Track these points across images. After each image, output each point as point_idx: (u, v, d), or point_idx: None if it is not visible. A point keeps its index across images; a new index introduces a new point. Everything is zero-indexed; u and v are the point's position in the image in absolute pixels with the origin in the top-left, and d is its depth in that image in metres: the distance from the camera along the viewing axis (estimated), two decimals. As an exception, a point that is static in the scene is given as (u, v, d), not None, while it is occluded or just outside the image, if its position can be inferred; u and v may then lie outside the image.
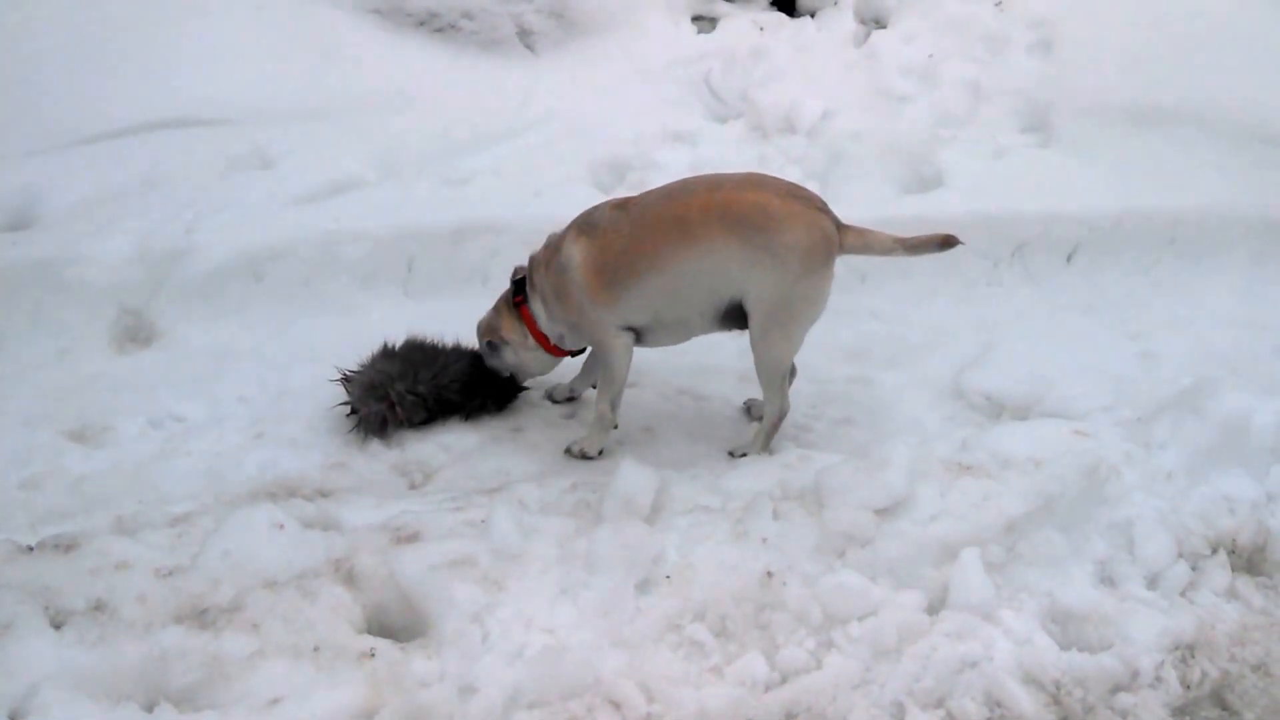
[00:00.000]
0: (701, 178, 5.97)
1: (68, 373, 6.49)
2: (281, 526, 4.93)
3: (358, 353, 6.36)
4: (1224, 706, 4.57)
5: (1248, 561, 5.21)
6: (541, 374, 6.39)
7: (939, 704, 4.41)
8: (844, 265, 7.43)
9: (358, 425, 6.06)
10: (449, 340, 6.35)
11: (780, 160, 8.43)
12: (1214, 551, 5.16)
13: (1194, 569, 5.09)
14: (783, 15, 10.67)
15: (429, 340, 6.34)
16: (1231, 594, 5.02)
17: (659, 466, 5.48)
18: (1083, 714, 4.42)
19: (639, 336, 5.93)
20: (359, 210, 7.64)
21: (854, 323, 7.32)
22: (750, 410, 6.36)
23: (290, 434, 6.03)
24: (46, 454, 5.84)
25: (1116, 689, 4.50)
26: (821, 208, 5.73)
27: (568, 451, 5.97)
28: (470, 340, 6.34)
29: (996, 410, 6.45)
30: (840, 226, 5.75)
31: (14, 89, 8.20)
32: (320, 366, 6.47)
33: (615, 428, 6.06)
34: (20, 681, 4.04)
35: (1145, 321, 7.33)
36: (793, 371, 6.16)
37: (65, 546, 4.78)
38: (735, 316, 5.81)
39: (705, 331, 5.98)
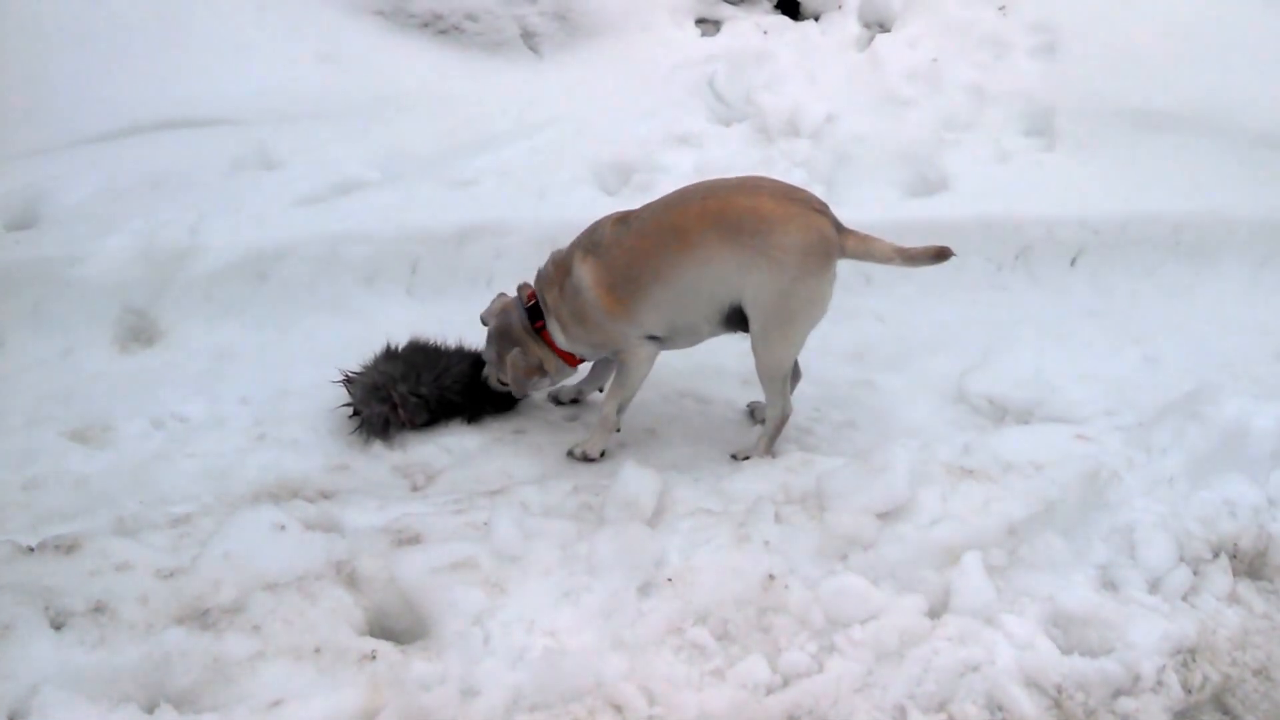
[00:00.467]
0: (698, 185, 5.98)
1: (70, 372, 6.49)
2: (283, 528, 4.95)
3: (361, 353, 6.38)
4: (1225, 711, 4.56)
5: (1249, 566, 5.20)
6: (564, 380, 6.45)
7: (941, 708, 4.40)
8: (848, 268, 7.43)
9: (360, 427, 6.06)
10: (452, 341, 6.35)
11: (785, 164, 8.43)
12: (1215, 556, 5.15)
13: (1195, 573, 5.07)
14: (786, 18, 10.66)
15: (431, 341, 6.34)
16: (1233, 598, 5.00)
17: (661, 469, 5.49)
18: (1084, 718, 4.41)
19: (660, 343, 5.95)
20: (363, 211, 7.65)
21: (857, 325, 7.34)
22: (753, 413, 6.36)
23: (292, 435, 6.04)
24: (48, 454, 5.85)
25: (1118, 693, 4.49)
26: (819, 209, 5.74)
27: (570, 454, 5.98)
28: (472, 341, 6.33)
29: (999, 414, 6.45)
30: (841, 230, 5.75)
31: (19, 88, 8.21)
32: (323, 367, 6.48)
33: (618, 430, 6.06)
34: (20, 682, 4.04)
35: (1148, 325, 7.34)
36: (797, 374, 6.17)
37: (66, 547, 4.78)
38: (739, 319, 5.83)
39: (715, 335, 6.01)
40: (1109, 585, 4.96)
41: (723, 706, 4.33)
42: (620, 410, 6.01)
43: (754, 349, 5.86)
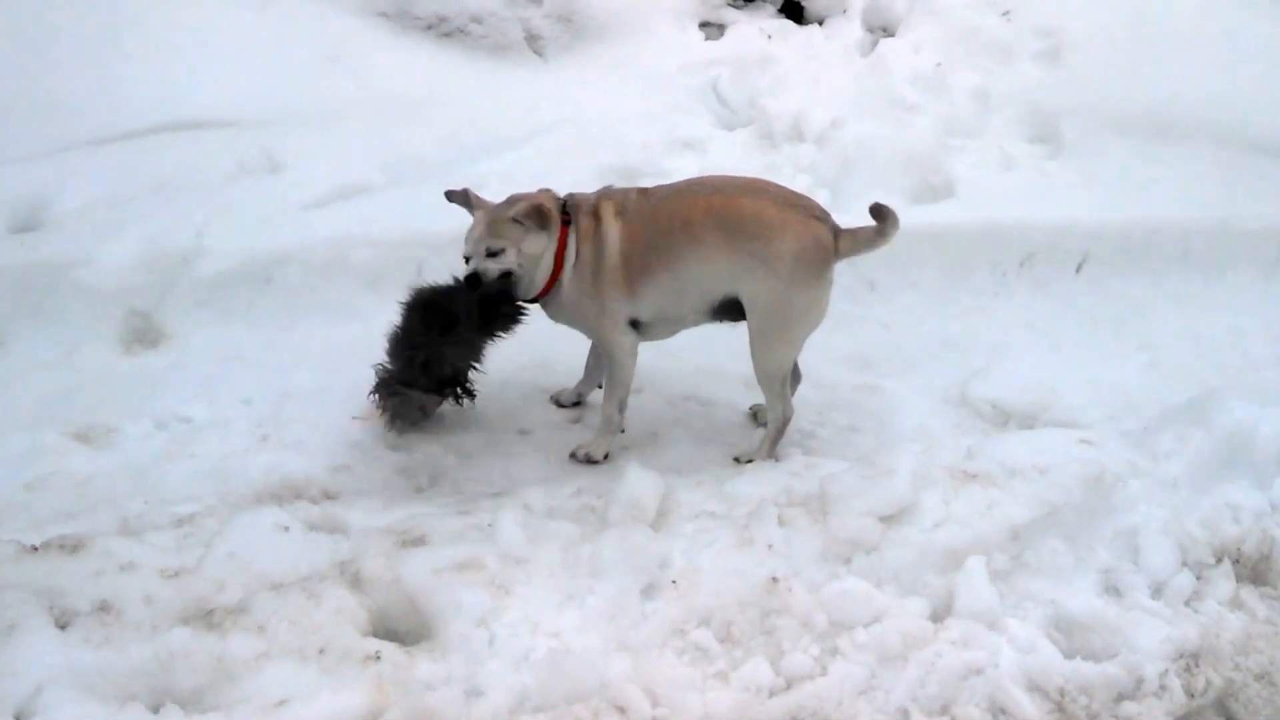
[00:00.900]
0: (709, 179, 6.14)
1: (74, 374, 6.50)
2: (287, 529, 4.98)
3: (364, 357, 6.40)
4: (1228, 715, 4.57)
5: (1252, 571, 5.20)
6: (523, 299, 6.09)
7: (944, 711, 4.41)
8: (852, 273, 7.50)
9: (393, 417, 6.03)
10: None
11: (789, 169, 8.43)
12: (1218, 561, 5.15)
13: (1198, 578, 5.08)
14: (790, 22, 10.65)
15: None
16: (1236, 603, 5.01)
17: (664, 472, 5.52)
18: (1086, 722, 4.44)
19: (638, 329, 5.97)
20: (368, 214, 7.66)
21: (862, 331, 7.36)
22: (756, 416, 6.37)
23: (295, 436, 6.04)
24: (52, 454, 5.84)
25: (1121, 697, 4.50)
26: (819, 216, 5.79)
27: (573, 456, 5.98)
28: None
29: (1003, 419, 6.45)
30: (838, 234, 5.80)
31: (24, 91, 8.19)
32: (327, 370, 6.52)
33: (622, 431, 6.07)
34: (26, 681, 4.05)
35: (1153, 332, 7.34)
36: (797, 377, 6.20)
37: (71, 547, 4.80)
38: (726, 310, 5.90)
39: (697, 325, 6.08)
40: (1112, 590, 4.96)
41: (726, 708, 4.34)
42: (620, 408, 6.02)
43: (752, 352, 5.90)
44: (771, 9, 10.76)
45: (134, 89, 8.42)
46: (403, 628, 4.62)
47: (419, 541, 4.99)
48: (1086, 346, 7.18)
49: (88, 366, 6.55)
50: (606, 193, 5.96)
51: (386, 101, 8.89)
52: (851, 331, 7.28)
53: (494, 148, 8.55)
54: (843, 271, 7.38)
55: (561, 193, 6.04)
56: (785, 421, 6.09)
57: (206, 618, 4.43)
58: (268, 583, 4.64)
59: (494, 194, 7.88)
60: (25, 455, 5.79)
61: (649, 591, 4.75)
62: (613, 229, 5.77)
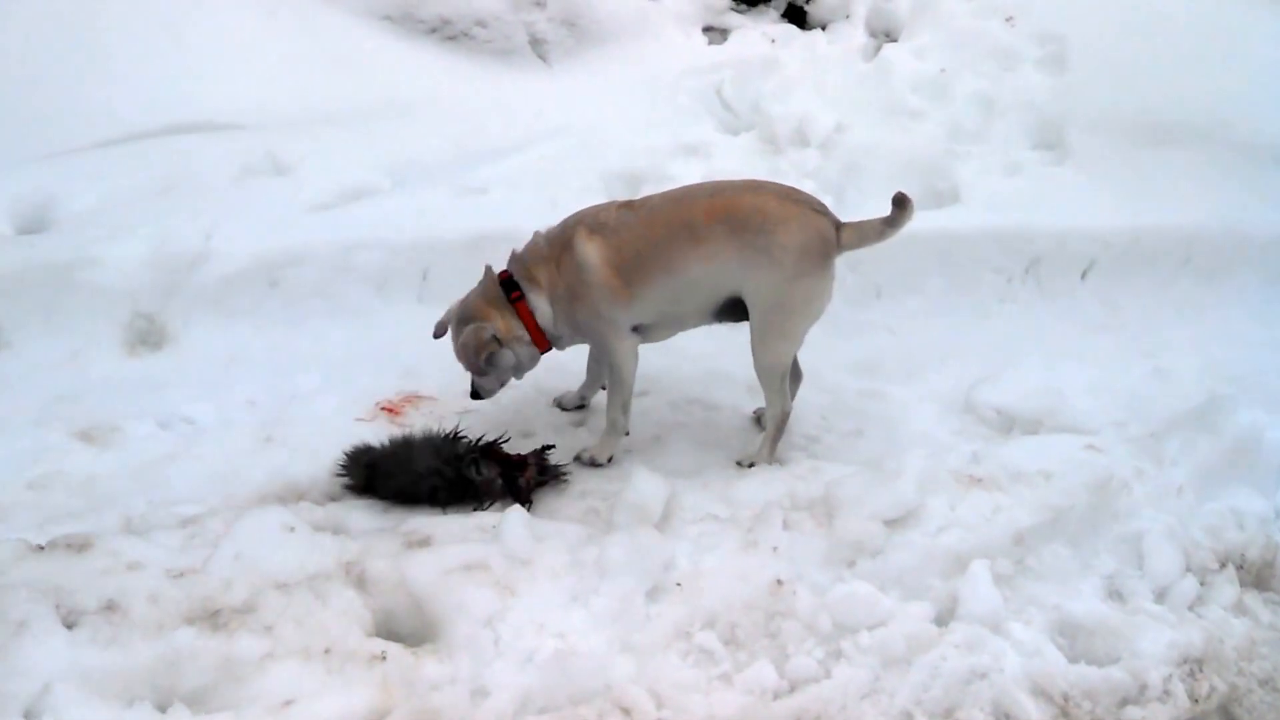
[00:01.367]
0: (704, 184, 6.12)
1: (78, 374, 6.49)
2: (292, 529, 4.98)
3: (368, 359, 6.41)
4: (1232, 720, 4.61)
5: (1256, 577, 5.23)
6: (530, 370, 6.17)
7: (948, 715, 4.43)
8: (858, 279, 7.50)
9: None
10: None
11: (794, 174, 8.43)
12: (1222, 566, 5.19)
13: (1202, 584, 5.11)
14: (793, 27, 10.69)
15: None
16: (1239, 609, 5.04)
17: (669, 475, 5.53)
18: (1090, 726, 4.46)
19: (638, 332, 5.98)
20: (374, 218, 7.65)
21: (867, 336, 7.36)
22: (760, 420, 6.37)
23: (300, 438, 6.02)
24: (57, 454, 5.84)
25: (1125, 702, 4.52)
26: (819, 209, 5.83)
27: (578, 459, 5.98)
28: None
29: (1007, 424, 6.44)
30: (839, 227, 5.82)
31: (30, 93, 8.20)
32: (332, 372, 6.53)
33: (626, 434, 6.08)
34: (34, 680, 4.06)
35: (1159, 338, 7.33)
36: (798, 375, 6.23)
37: (77, 546, 4.81)
38: (728, 310, 5.92)
39: (699, 326, 6.09)
40: (1116, 594, 5.00)
41: (730, 711, 4.36)
42: (625, 411, 6.02)
43: (753, 347, 5.91)
44: (775, 14, 10.81)
45: (141, 92, 8.44)
46: (408, 628, 4.63)
47: (424, 543, 4.99)
48: (1092, 352, 7.16)
49: (93, 367, 6.55)
50: (578, 217, 5.95)
51: (391, 105, 8.91)
52: (857, 337, 7.29)
53: (499, 151, 8.56)
54: (848, 277, 7.44)
55: (524, 243, 6.06)
56: (784, 418, 6.10)
57: (212, 618, 4.44)
58: (273, 583, 4.65)
59: (496, 196, 7.98)
60: (30, 455, 5.78)
61: (654, 594, 4.77)
62: (588, 248, 5.75)
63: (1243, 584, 5.16)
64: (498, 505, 5.44)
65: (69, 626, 4.31)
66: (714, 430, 6.25)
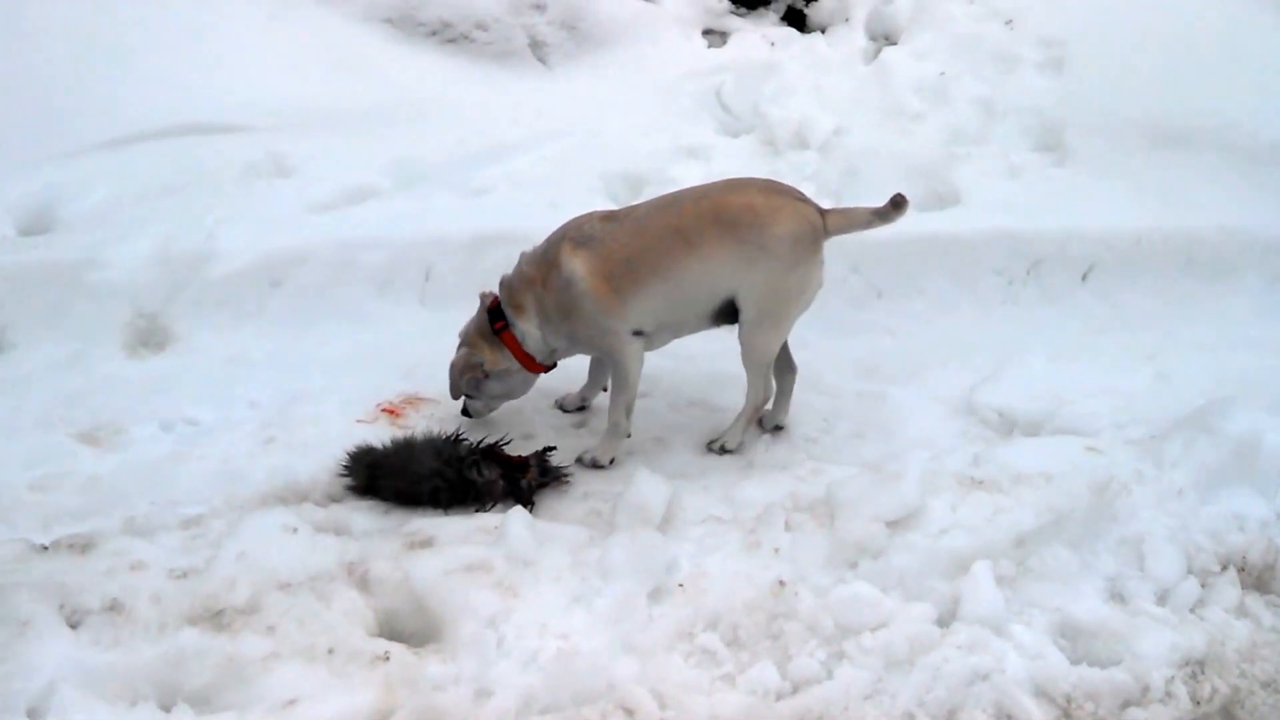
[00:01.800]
0: (686, 189, 6.19)
1: (81, 375, 6.49)
2: (295, 530, 5.02)
3: (371, 360, 6.41)
4: (1233, 722, 4.61)
5: (1257, 579, 5.22)
6: (524, 394, 6.28)
7: (950, 716, 4.43)
8: (859, 280, 7.51)
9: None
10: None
11: (793, 176, 8.38)
12: (1224, 569, 5.18)
13: (1204, 586, 5.10)
14: (793, 30, 10.68)
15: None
16: (1241, 611, 5.03)
17: (671, 477, 5.55)
18: (1093, 728, 4.46)
19: (643, 339, 5.99)
20: (376, 219, 7.67)
21: (868, 338, 7.37)
22: (762, 423, 6.37)
23: (302, 439, 6.02)
24: (60, 455, 5.83)
25: (1127, 704, 4.52)
26: (801, 198, 5.92)
27: (580, 460, 5.98)
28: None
29: (1008, 426, 6.44)
30: (823, 213, 5.91)
31: (34, 94, 8.21)
32: (334, 373, 6.54)
33: (628, 436, 6.08)
34: (38, 679, 4.09)
35: (1160, 341, 7.31)
36: (792, 369, 6.29)
37: (80, 547, 4.85)
38: (725, 314, 5.97)
39: (697, 330, 6.11)
40: (1117, 596, 4.99)
41: (733, 711, 4.37)
42: (627, 413, 6.03)
43: (743, 338, 5.96)
44: (774, 17, 10.80)
45: (144, 93, 8.43)
46: (411, 629, 4.65)
47: (427, 544, 5.02)
48: (1093, 354, 7.15)
49: (96, 368, 6.55)
50: (561, 233, 5.96)
51: (393, 106, 8.92)
52: (858, 338, 7.30)
53: (500, 153, 8.57)
54: (849, 278, 7.48)
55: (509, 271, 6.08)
56: (762, 403, 6.19)
57: (216, 618, 4.47)
58: (276, 583, 4.68)
59: (498, 197, 8.00)
60: (33, 455, 5.77)
61: (656, 594, 4.79)
62: (574, 262, 5.75)
63: (1244, 586, 5.15)
64: (499, 507, 5.45)
65: (73, 626, 4.34)
66: (715, 432, 6.24)
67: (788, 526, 5.13)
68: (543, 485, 5.65)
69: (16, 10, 8.81)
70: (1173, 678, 4.62)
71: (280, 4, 9.42)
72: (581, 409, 6.57)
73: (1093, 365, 6.99)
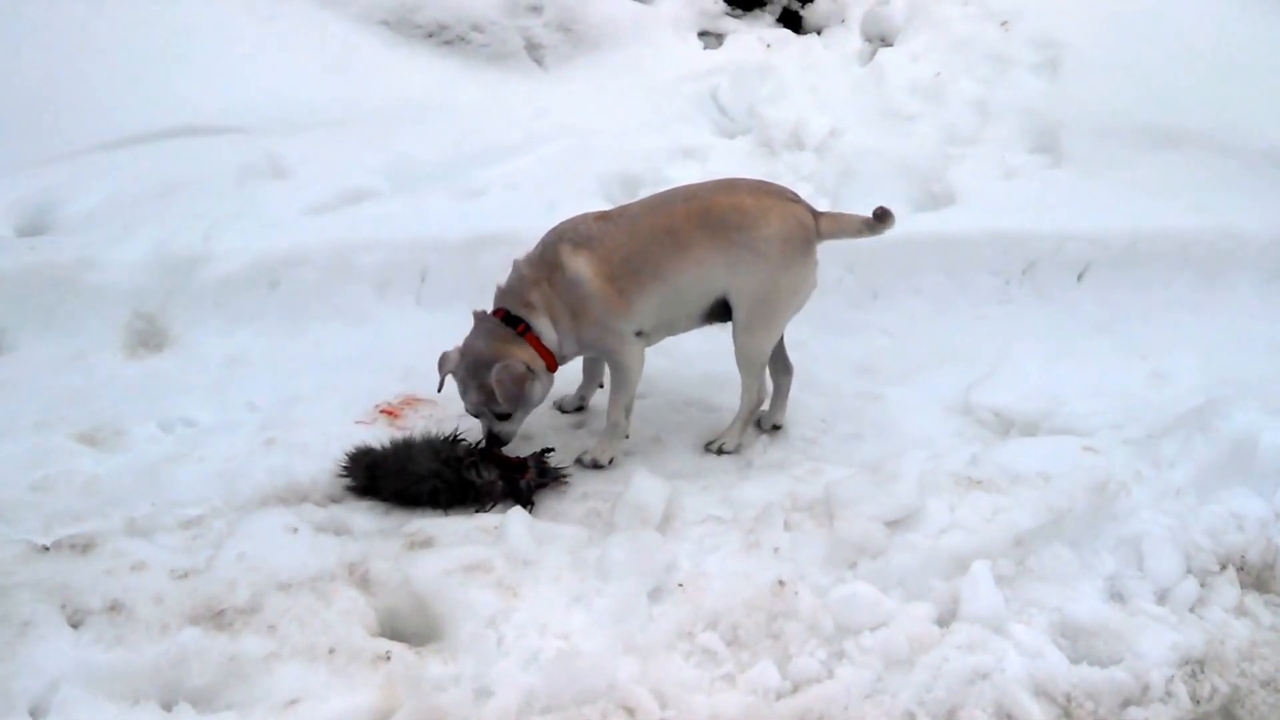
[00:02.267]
0: (677, 189, 6.18)
1: (80, 376, 6.50)
2: (295, 530, 5.03)
3: (369, 361, 6.41)
4: (1234, 721, 4.62)
5: (1256, 578, 5.24)
6: (546, 392, 6.05)
7: (950, 715, 4.43)
8: (855, 281, 7.51)
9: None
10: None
11: (790, 176, 8.43)
12: (1223, 568, 5.19)
13: (1203, 585, 5.12)
14: (789, 32, 10.71)
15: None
16: (1241, 610, 5.05)
17: (670, 477, 5.56)
18: (1093, 727, 4.47)
19: (644, 339, 6.01)
20: (373, 220, 7.68)
21: (865, 339, 7.37)
22: (759, 422, 6.38)
23: (301, 440, 6.01)
24: (59, 456, 5.83)
25: (1127, 703, 4.53)
26: (793, 199, 5.95)
27: (579, 461, 5.98)
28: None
29: (1005, 426, 6.46)
30: (816, 215, 5.95)
31: (31, 96, 8.23)
32: (333, 373, 6.55)
33: (627, 437, 6.09)
34: (40, 679, 4.09)
35: (1156, 341, 7.31)
36: (788, 369, 6.33)
37: (81, 547, 4.85)
38: (717, 313, 6.00)
39: (690, 329, 6.14)
40: (1117, 596, 5.01)
41: (734, 711, 4.37)
42: (627, 414, 6.04)
43: (736, 338, 5.99)
44: (770, 18, 10.82)
45: (141, 95, 8.45)
46: (412, 628, 4.65)
47: (427, 544, 5.02)
48: (1089, 354, 7.16)
49: (95, 369, 6.56)
50: (556, 235, 5.93)
51: (389, 108, 8.93)
52: (854, 338, 7.31)
53: (496, 155, 8.58)
54: (845, 278, 7.48)
55: (508, 274, 5.98)
56: (757, 405, 6.23)
57: (217, 618, 4.47)
58: (277, 584, 4.68)
59: (494, 198, 7.98)
60: (33, 456, 5.78)
61: (656, 594, 4.78)
62: (577, 262, 5.74)
63: (1243, 586, 5.16)
64: (499, 507, 5.46)
65: (74, 626, 4.34)
66: (714, 432, 6.25)
67: (787, 526, 5.13)
68: (541, 486, 5.65)
69: (13, 12, 8.82)
70: (1172, 677, 4.63)
71: (277, 6, 9.44)
72: (580, 409, 6.57)
73: (1088, 365, 7.01)
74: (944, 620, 4.76)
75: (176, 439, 6.10)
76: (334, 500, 5.59)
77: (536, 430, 6.30)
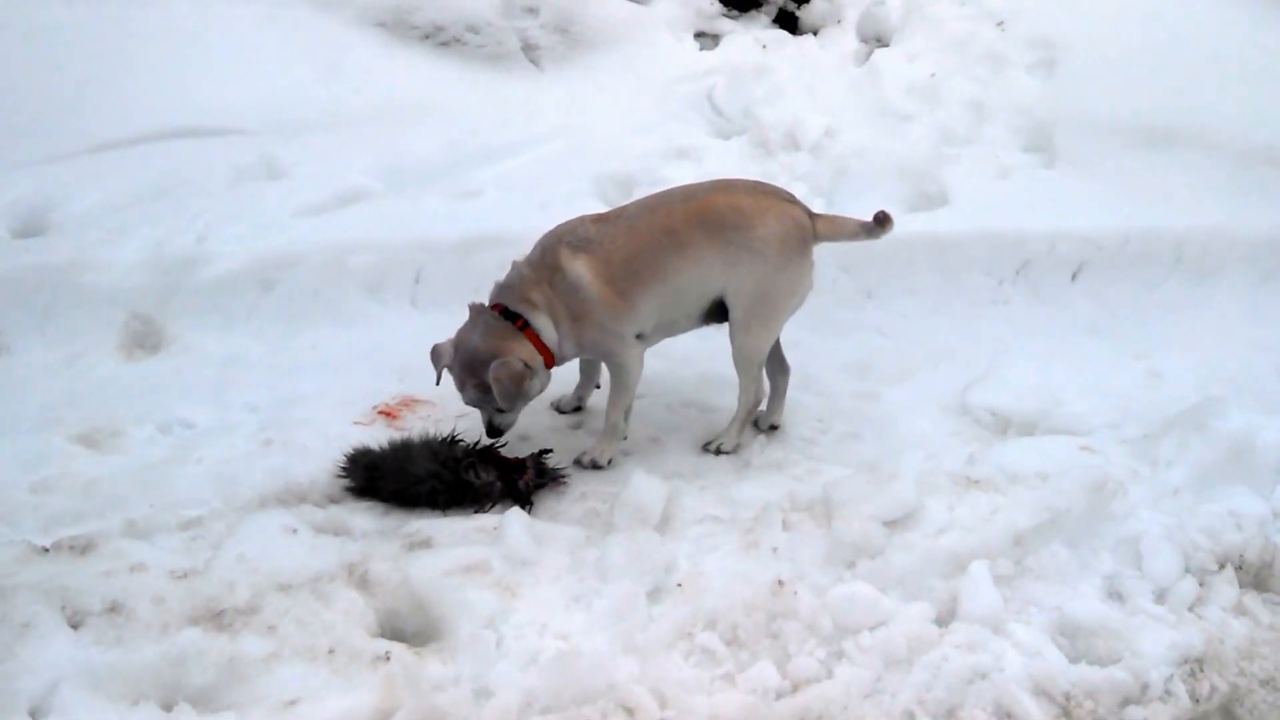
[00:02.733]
0: (675, 189, 6.18)
1: (78, 378, 6.51)
2: (295, 531, 5.04)
3: (366, 362, 6.41)
4: (1233, 720, 4.62)
5: (1255, 577, 5.24)
6: (539, 395, 6.04)
7: (950, 715, 4.43)
8: (849, 280, 7.52)
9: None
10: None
11: (785, 177, 8.43)
12: (1221, 567, 5.20)
13: (1201, 584, 5.12)
14: (785, 33, 10.68)
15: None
16: (1239, 609, 5.05)
17: (668, 477, 5.55)
18: (1092, 726, 4.47)
19: (644, 341, 6.01)
20: (368, 221, 7.69)
21: (861, 339, 7.38)
22: (757, 422, 6.39)
23: (299, 441, 6.02)
24: (57, 458, 5.83)
25: (1126, 702, 4.53)
26: (790, 199, 5.98)
27: (578, 462, 5.98)
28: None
29: (1002, 426, 6.46)
30: (812, 216, 5.97)
31: (28, 97, 8.24)
32: (329, 374, 6.56)
33: (625, 438, 6.09)
34: (40, 679, 4.09)
35: (1151, 340, 7.33)
36: (785, 370, 6.36)
37: (80, 548, 4.85)
38: (715, 313, 6.01)
39: (689, 330, 6.15)
40: (1116, 595, 5.01)
41: (733, 711, 4.37)
42: (626, 416, 6.05)
43: (733, 338, 5.99)
44: (766, 19, 10.79)
45: (137, 96, 8.45)
46: (411, 629, 4.66)
47: (426, 544, 5.03)
48: (1084, 354, 7.16)
49: (91, 371, 6.57)
50: (555, 237, 5.90)
51: (385, 109, 8.93)
52: (849, 338, 7.31)
53: (492, 156, 8.59)
54: (840, 278, 7.50)
55: (507, 272, 5.95)
56: (755, 406, 6.23)
57: (216, 618, 4.47)
58: (276, 584, 4.69)
59: (489, 199, 7.98)
60: (32, 458, 5.79)
61: (655, 594, 4.79)
62: (578, 265, 5.72)
63: (1242, 585, 5.16)
64: (497, 508, 5.46)
65: (74, 627, 4.35)
66: (711, 432, 6.26)
67: (785, 526, 5.13)
68: (540, 486, 5.65)
69: (8, 13, 8.80)
70: (1171, 676, 4.63)
71: (273, 7, 9.42)
72: (578, 409, 6.57)
73: (1084, 364, 7.01)
74: (943, 620, 4.76)
75: (175, 440, 6.10)
76: (333, 501, 5.58)
77: (535, 431, 6.30)
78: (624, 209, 6.09)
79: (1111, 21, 9.82)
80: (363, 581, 4.75)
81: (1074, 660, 4.65)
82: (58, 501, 5.46)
